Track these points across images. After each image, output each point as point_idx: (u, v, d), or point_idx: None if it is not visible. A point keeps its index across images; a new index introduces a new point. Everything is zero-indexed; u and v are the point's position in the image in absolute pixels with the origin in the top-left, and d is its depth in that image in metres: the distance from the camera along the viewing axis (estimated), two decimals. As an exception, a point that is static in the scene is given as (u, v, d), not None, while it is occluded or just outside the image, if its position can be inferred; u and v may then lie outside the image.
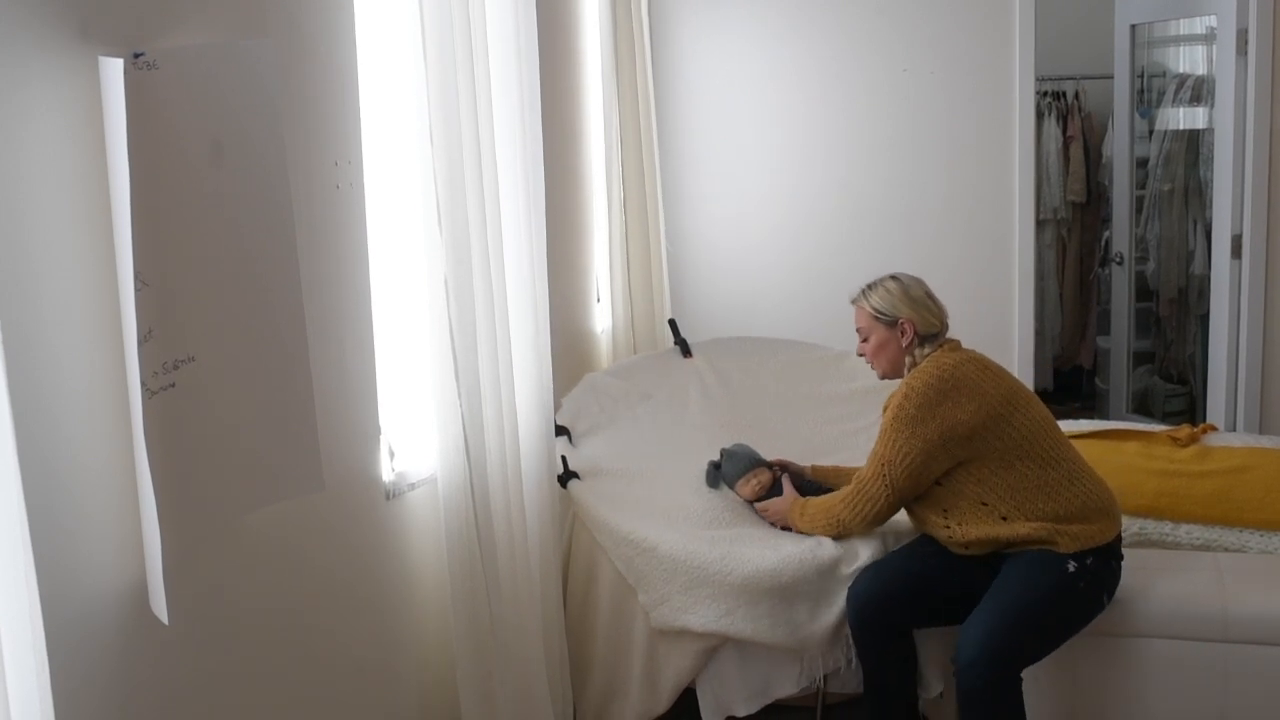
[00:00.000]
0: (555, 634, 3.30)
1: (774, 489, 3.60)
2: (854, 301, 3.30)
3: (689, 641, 3.33)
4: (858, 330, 3.30)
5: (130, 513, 1.98)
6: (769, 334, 4.55)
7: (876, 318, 3.22)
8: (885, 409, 3.19)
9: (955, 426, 3.04)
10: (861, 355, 3.32)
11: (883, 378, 3.32)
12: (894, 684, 3.21)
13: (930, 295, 3.25)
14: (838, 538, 3.31)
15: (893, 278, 3.27)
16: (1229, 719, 3.11)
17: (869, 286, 3.27)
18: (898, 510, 3.22)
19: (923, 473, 3.09)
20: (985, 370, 3.13)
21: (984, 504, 3.08)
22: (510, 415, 3.04)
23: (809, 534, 3.34)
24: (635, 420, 4.01)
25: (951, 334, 3.25)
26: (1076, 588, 3.02)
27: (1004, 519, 3.06)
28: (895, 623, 3.19)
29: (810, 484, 3.54)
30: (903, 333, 3.19)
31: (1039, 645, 3.06)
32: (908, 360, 3.21)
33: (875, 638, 3.18)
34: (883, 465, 3.12)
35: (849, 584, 3.24)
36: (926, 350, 3.19)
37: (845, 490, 3.25)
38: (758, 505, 3.52)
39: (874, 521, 3.23)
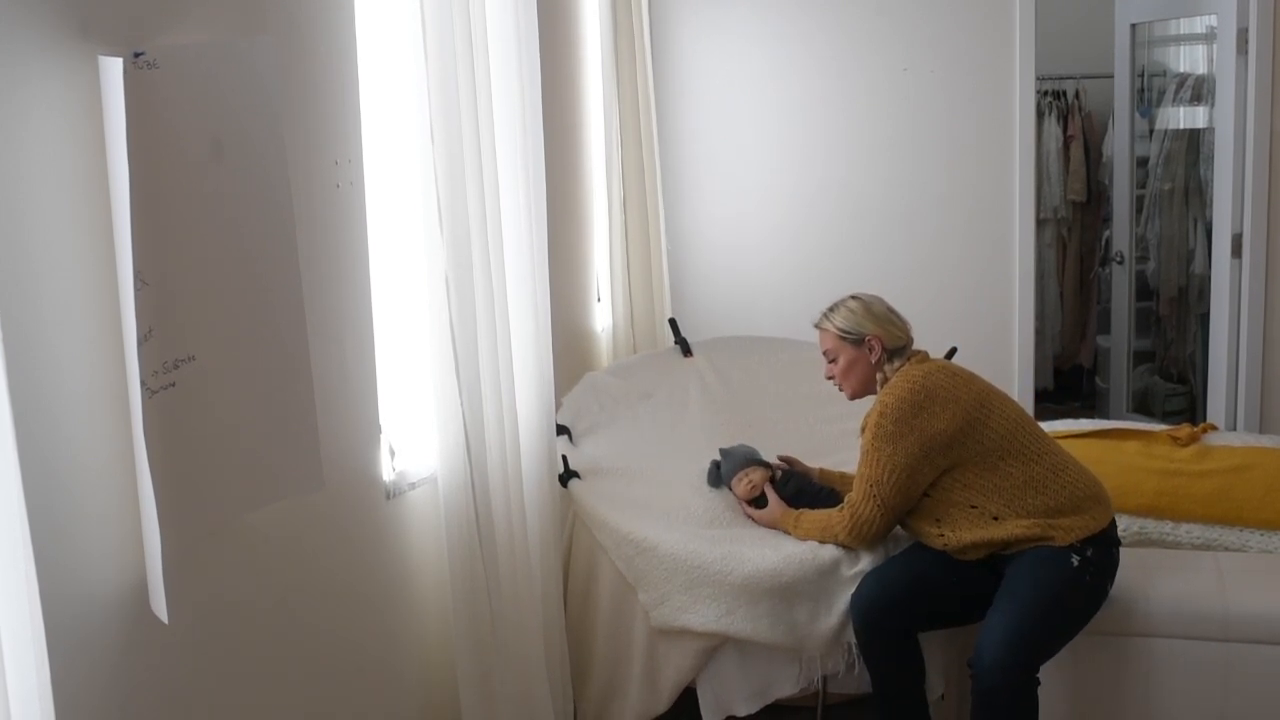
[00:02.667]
0: (555, 633, 3.29)
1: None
2: (817, 325, 3.29)
3: (689, 641, 3.33)
4: (824, 353, 3.28)
5: (130, 513, 1.98)
6: (769, 333, 4.55)
7: (843, 337, 3.22)
8: (862, 430, 3.20)
9: (934, 436, 3.06)
10: (830, 379, 3.31)
11: (853, 398, 3.31)
12: (902, 687, 3.20)
13: (892, 310, 3.25)
14: None
15: (853, 297, 3.27)
16: (1229, 718, 3.11)
17: (830, 309, 3.27)
18: (894, 527, 3.23)
19: (910, 486, 3.11)
20: (955, 377, 3.15)
21: (973, 507, 3.09)
22: (511, 414, 3.04)
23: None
24: (635, 419, 4.01)
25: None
26: (1083, 581, 3.03)
27: (995, 519, 3.06)
28: (900, 626, 3.18)
29: (815, 487, 3.54)
30: (871, 349, 3.19)
31: (1054, 642, 3.07)
32: (879, 377, 3.21)
33: (881, 642, 3.18)
34: (871, 486, 3.13)
35: (850, 586, 3.24)
36: (896, 365, 3.19)
37: (838, 514, 3.24)
38: (747, 512, 3.51)
39: (873, 541, 3.24)
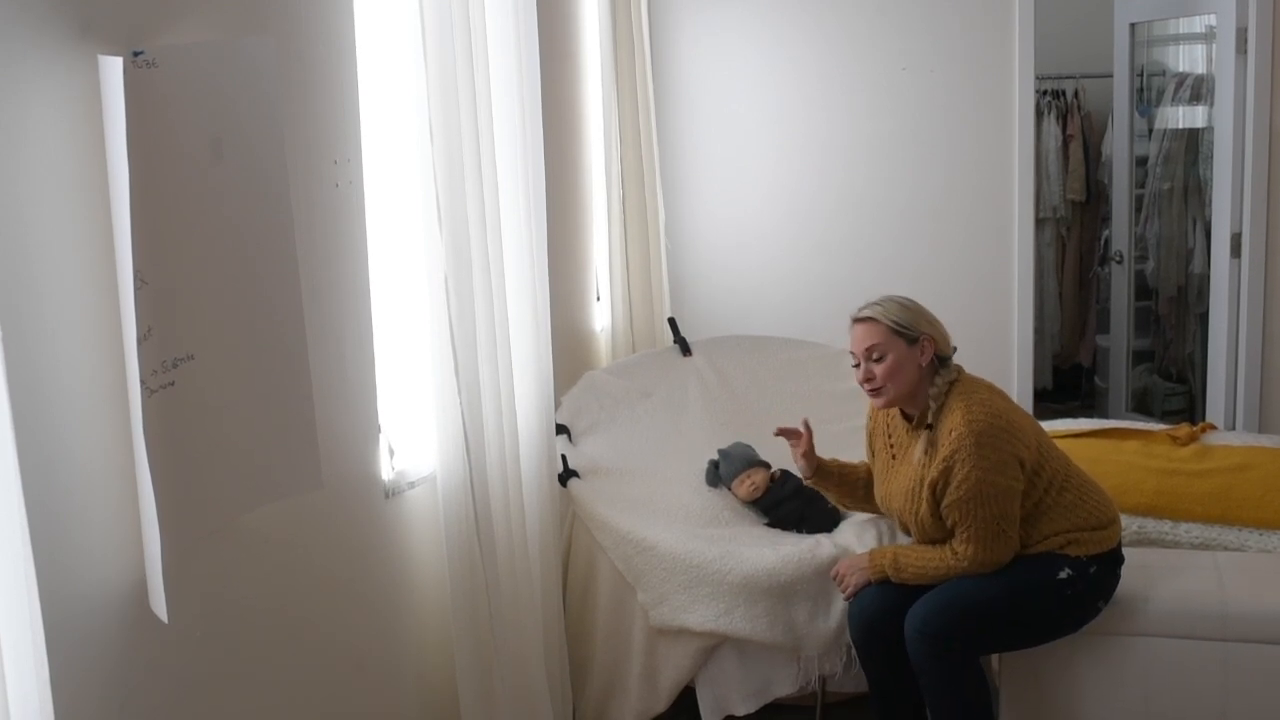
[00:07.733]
0: (555, 633, 3.30)
1: (769, 489, 3.60)
2: (865, 319, 3.00)
3: (688, 640, 3.33)
4: (868, 349, 2.98)
5: (130, 512, 1.98)
6: (769, 333, 4.55)
7: (898, 332, 2.95)
8: (932, 487, 2.95)
9: (1022, 459, 2.94)
10: (868, 381, 3.00)
11: (887, 405, 3.06)
12: (901, 690, 3.18)
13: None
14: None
15: (895, 297, 3.04)
16: (1229, 717, 3.11)
17: (877, 301, 3.01)
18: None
19: (1016, 505, 2.95)
20: (1011, 404, 3.04)
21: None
22: (510, 414, 3.04)
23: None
24: (635, 419, 4.01)
25: (951, 333, 3.22)
26: (1061, 594, 3.00)
27: (1024, 546, 3.02)
28: (898, 633, 3.09)
29: (813, 489, 3.54)
30: (923, 351, 2.96)
31: (990, 637, 3.06)
32: (930, 390, 2.98)
33: (879, 651, 3.15)
34: (997, 524, 2.91)
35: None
36: (943, 383, 2.97)
37: (961, 558, 2.97)
38: (836, 569, 3.21)
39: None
